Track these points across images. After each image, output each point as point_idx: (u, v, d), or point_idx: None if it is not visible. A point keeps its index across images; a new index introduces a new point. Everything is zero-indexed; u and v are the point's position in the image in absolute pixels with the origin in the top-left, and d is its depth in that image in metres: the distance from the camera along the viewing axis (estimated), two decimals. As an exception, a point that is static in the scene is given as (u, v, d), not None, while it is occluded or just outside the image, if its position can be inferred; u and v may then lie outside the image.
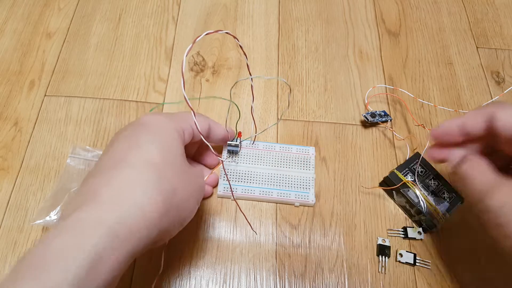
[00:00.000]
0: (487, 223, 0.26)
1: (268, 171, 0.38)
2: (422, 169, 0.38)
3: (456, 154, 0.31)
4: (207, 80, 0.45)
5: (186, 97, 0.24)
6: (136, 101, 0.43)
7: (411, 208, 0.36)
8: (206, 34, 0.26)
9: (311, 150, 0.39)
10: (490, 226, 0.26)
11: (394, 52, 0.48)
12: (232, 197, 0.37)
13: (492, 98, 0.45)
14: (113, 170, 0.23)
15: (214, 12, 0.50)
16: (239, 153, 0.38)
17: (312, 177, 0.38)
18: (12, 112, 0.42)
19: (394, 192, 0.37)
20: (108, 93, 0.43)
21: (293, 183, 0.37)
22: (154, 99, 0.43)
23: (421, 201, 0.35)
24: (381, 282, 0.34)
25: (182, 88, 0.25)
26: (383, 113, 0.43)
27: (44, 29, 0.48)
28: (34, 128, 0.41)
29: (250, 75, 0.31)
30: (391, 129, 0.42)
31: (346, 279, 0.34)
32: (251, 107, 0.36)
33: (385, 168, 0.40)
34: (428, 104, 0.44)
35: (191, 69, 0.46)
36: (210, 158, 0.37)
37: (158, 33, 0.48)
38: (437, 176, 0.38)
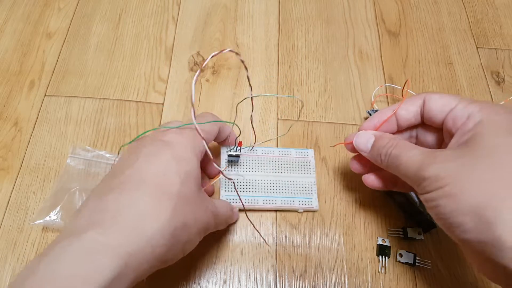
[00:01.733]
0: (430, 202, 0.25)
1: (270, 178, 0.37)
2: None
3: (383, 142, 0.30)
4: (207, 80, 0.45)
5: (197, 128, 0.24)
6: (136, 101, 0.43)
7: (411, 208, 0.36)
8: (212, 57, 0.25)
9: (310, 152, 0.39)
10: (433, 205, 0.25)
11: (394, 52, 0.48)
12: (242, 207, 0.35)
13: (492, 98, 0.45)
14: (133, 192, 0.23)
15: (214, 12, 0.50)
16: (239, 162, 0.37)
17: (314, 182, 0.37)
18: (12, 112, 0.42)
19: (394, 193, 0.37)
20: (108, 93, 0.43)
21: (296, 189, 0.37)
22: (154, 99, 0.43)
23: (421, 202, 0.35)
24: (381, 282, 0.34)
25: (192, 117, 0.24)
26: None
27: (44, 29, 0.48)
28: (34, 128, 0.41)
29: (251, 89, 0.30)
30: None
31: (346, 279, 0.34)
32: (251, 116, 0.34)
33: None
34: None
35: (191, 69, 0.46)
36: (212, 167, 0.36)
37: (158, 33, 0.48)
38: None
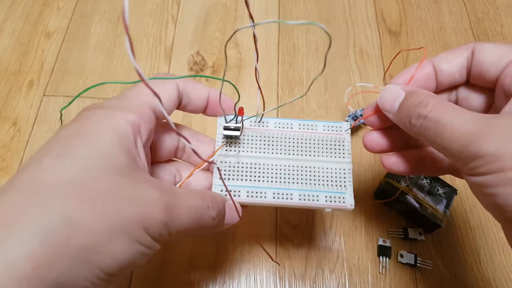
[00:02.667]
0: (484, 188, 0.19)
1: (285, 163, 0.26)
2: None
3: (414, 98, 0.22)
4: (207, 80, 0.45)
5: (137, 69, 0.13)
6: (136, 101, 0.43)
7: (412, 213, 0.36)
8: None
9: (345, 126, 0.28)
10: (488, 192, 0.18)
11: (394, 52, 0.48)
12: (242, 202, 0.25)
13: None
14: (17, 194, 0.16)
15: (214, 12, 0.50)
16: (240, 138, 0.27)
17: (349, 169, 0.26)
18: (11, 112, 0.41)
19: (393, 202, 0.37)
20: (107, 93, 0.43)
21: (322, 178, 0.26)
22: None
23: (421, 205, 0.35)
24: (382, 283, 0.34)
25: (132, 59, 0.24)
26: (362, 113, 0.41)
27: (43, 29, 0.47)
28: (33, 128, 0.41)
29: (252, 21, 0.21)
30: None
31: (347, 280, 0.34)
32: (255, 68, 0.23)
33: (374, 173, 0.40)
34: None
35: (191, 69, 0.45)
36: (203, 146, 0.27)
37: (157, 33, 0.48)
38: None
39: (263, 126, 0.27)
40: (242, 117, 0.26)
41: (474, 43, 0.23)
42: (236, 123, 0.25)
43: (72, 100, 0.25)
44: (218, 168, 0.24)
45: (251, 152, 0.26)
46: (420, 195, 0.36)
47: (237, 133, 0.25)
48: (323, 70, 0.21)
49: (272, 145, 0.27)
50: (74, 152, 0.17)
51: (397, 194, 0.35)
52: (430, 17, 0.52)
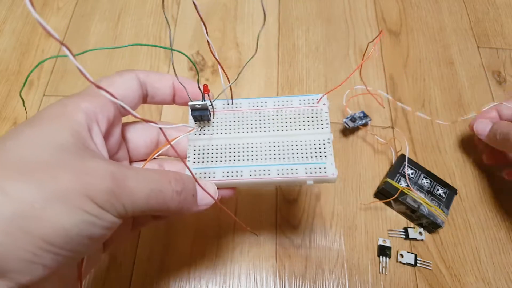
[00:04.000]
0: None
1: (260, 140, 0.25)
2: (412, 171, 0.38)
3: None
4: (207, 80, 0.45)
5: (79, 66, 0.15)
6: (136, 101, 0.43)
7: (412, 213, 0.36)
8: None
9: (324, 99, 0.27)
10: None
11: (395, 52, 0.48)
12: (221, 183, 0.24)
13: (493, 98, 0.45)
14: None
15: (214, 12, 0.50)
16: (213, 120, 0.26)
17: (328, 139, 0.25)
18: (11, 112, 0.41)
19: (392, 201, 0.37)
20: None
21: (300, 151, 0.25)
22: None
23: (421, 205, 0.35)
24: (382, 283, 0.34)
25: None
26: (362, 115, 0.41)
27: (43, 29, 0.47)
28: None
29: None
30: (372, 133, 0.42)
31: (347, 280, 0.34)
32: (207, 40, 0.22)
33: (374, 173, 0.40)
34: (404, 107, 0.44)
35: (191, 69, 0.45)
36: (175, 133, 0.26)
37: (157, 33, 0.48)
38: (427, 173, 0.38)
39: (236, 107, 0.27)
40: (208, 94, 0.24)
41: None
42: (203, 98, 0.24)
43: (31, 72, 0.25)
44: (172, 146, 0.20)
45: (225, 133, 0.26)
46: (420, 195, 0.36)
47: (205, 112, 0.25)
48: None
49: (247, 124, 0.26)
50: (17, 135, 0.18)
51: (397, 194, 0.35)
52: (430, 17, 0.52)
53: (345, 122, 0.40)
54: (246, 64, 0.26)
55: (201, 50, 0.47)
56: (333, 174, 0.24)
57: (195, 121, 0.26)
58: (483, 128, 0.37)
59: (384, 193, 0.37)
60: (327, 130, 0.26)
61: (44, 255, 0.16)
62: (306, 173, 0.24)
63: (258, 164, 0.25)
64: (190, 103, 0.24)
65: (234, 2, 0.51)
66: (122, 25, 0.48)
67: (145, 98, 0.25)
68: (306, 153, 0.25)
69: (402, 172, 0.37)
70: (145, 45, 0.47)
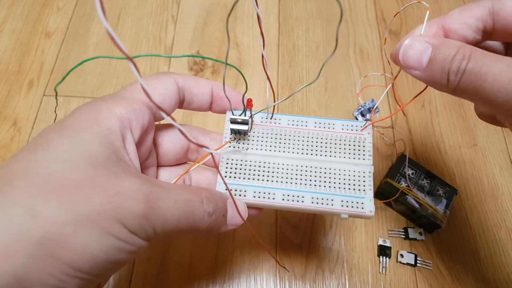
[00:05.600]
0: None
1: (297, 162, 0.24)
2: (412, 171, 0.37)
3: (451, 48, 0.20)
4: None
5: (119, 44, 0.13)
6: (136, 101, 0.43)
7: (412, 214, 0.36)
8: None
9: (368, 128, 0.25)
10: None
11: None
12: (247, 202, 0.23)
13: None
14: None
15: (214, 11, 0.50)
16: (249, 134, 0.25)
17: (370, 172, 0.24)
18: (11, 112, 0.41)
19: (392, 202, 0.37)
20: (107, 92, 0.43)
21: (338, 181, 0.24)
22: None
23: (421, 206, 0.35)
24: (382, 283, 0.34)
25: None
26: (371, 104, 0.40)
27: (43, 29, 0.47)
28: (33, 128, 0.41)
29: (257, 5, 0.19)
30: (380, 132, 0.42)
31: (347, 280, 0.34)
32: (262, 55, 0.21)
33: (375, 172, 0.40)
34: (429, 104, 0.44)
35: (191, 69, 0.45)
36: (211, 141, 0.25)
37: (157, 32, 0.48)
38: (428, 173, 0.37)
39: (275, 123, 0.25)
40: (251, 110, 0.24)
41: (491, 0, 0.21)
42: (243, 115, 0.24)
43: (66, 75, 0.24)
44: (212, 155, 0.21)
45: (261, 149, 0.24)
46: (420, 195, 0.36)
47: (245, 127, 0.23)
48: (335, 48, 0.20)
49: (284, 143, 0.25)
50: (48, 144, 0.16)
51: (397, 194, 0.35)
52: (430, 17, 0.51)
53: (355, 116, 0.40)
54: (300, 89, 0.24)
55: (201, 50, 0.47)
56: (370, 211, 0.23)
57: (231, 133, 0.25)
58: (415, 55, 0.20)
59: (384, 193, 0.37)
60: (368, 162, 0.24)
61: (69, 280, 0.15)
62: (342, 206, 0.23)
63: (293, 189, 0.23)
64: (231, 116, 0.23)
65: (234, 2, 0.51)
66: (122, 25, 0.48)
67: (181, 103, 0.23)
68: (344, 183, 0.24)
69: (403, 172, 0.37)
70: (145, 55, 0.47)
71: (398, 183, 0.36)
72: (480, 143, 0.41)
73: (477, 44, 0.22)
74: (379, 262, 0.35)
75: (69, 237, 0.15)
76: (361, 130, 0.25)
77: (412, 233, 0.36)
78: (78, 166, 0.16)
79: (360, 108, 0.40)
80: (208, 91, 0.24)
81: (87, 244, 0.15)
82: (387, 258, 0.35)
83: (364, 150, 0.25)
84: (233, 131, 0.24)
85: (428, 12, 0.22)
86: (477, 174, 0.40)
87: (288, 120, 0.25)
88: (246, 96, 0.23)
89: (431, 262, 0.35)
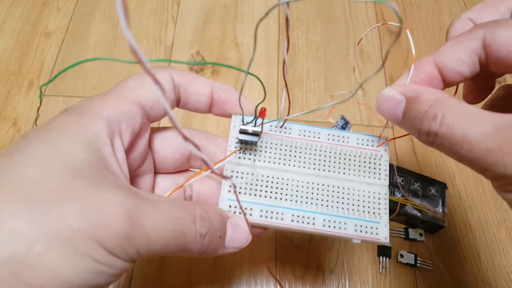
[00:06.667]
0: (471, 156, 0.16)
1: (308, 179, 0.22)
2: (401, 177, 0.37)
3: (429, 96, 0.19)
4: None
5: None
6: (136, 101, 0.43)
7: (414, 221, 0.35)
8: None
9: (385, 145, 0.23)
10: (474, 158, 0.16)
11: (395, 52, 0.48)
12: (253, 221, 0.21)
13: (493, 98, 0.45)
14: None
15: (214, 11, 0.50)
16: (258, 144, 0.23)
17: (385, 194, 0.22)
18: (11, 112, 0.41)
19: (395, 216, 0.36)
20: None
21: (351, 202, 0.22)
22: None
23: (421, 212, 0.35)
24: (382, 283, 0.34)
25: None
26: (343, 122, 0.40)
27: (43, 29, 0.47)
28: (33, 128, 0.41)
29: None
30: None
31: (347, 280, 0.34)
32: (284, 61, 0.18)
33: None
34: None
35: (191, 69, 0.45)
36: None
37: (157, 33, 0.48)
38: (415, 176, 0.37)
39: (285, 133, 0.23)
40: (262, 120, 0.21)
41: (483, 28, 0.19)
42: (255, 126, 0.21)
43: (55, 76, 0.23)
44: (213, 171, 0.16)
45: (269, 162, 0.22)
46: (417, 201, 0.35)
47: (255, 138, 0.21)
48: (382, 65, 0.19)
49: (295, 156, 0.22)
50: (26, 148, 0.15)
51: (397, 209, 0.35)
52: (430, 17, 0.52)
53: (337, 123, 0.40)
54: (352, 94, 0.21)
55: (201, 50, 0.47)
56: (385, 238, 0.21)
57: (238, 142, 0.22)
58: (389, 108, 0.20)
59: None
60: (384, 182, 0.22)
61: None
62: (355, 230, 0.21)
63: (303, 209, 0.21)
64: (242, 126, 0.21)
65: (234, 2, 0.51)
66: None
67: (177, 103, 0.21)
68: (358, 205, 0.21)
69: (394, 182, 0.36)
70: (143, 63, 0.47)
71: (393, 195, 0.35)
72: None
73: (477, 76, 0.21)
74: (379, 262, 0.35)
75: (38, 258, 0.13)
76: (377, 147, 0.23)
77: (412, 234, 0.36)
78: (55, 174, 0.14)
79: (337, 125, 0.40)
80: (207, 92, 0.21)
81: (59, 267, 0.13)
82: (387, 258, 0.35)
83: (380, 169, 0.22)
84: (241, 141, 0.21)
85: (412, 66, 0.21)
86: (477, 174, 0.40)
87: (300, 131, 0.23)
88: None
89: (431, 262, 0.35)
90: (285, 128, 0.23)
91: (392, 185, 0.36)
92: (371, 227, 0.21)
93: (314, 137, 0.23)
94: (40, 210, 0.13)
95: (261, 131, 0.21)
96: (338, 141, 0.23)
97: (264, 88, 0.22)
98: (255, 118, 0.21)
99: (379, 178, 0.22)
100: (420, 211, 0.35)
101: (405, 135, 0.22)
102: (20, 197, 0.13)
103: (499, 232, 0.37)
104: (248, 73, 0.18)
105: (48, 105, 0.42)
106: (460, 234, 0.37)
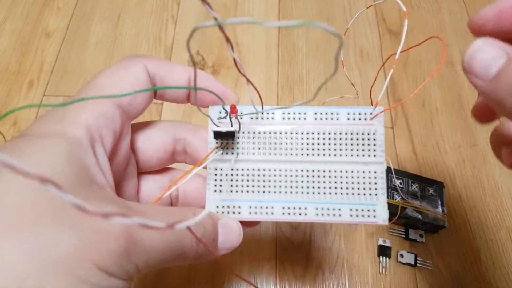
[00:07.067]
0: None
1: (296, 166, 0.21)
2: (399, 180, 0.36)
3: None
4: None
5: None
6: (136, 101, 0.43)
7: (415, 224, 0.35)
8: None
9: (380, 116, 0.21)
10: None
11: (395, 52, 0.48)
12: (244, 219, 0.21)
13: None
14: None
15: (213, 11, 0.50)
16: (237, 137, 0.21)
17: (381, 172, 0.20)
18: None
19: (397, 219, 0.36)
20: (107, 92, 0.43)
21: (345, 185, 0.20)
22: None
23: (422, 214, 0.34)
24: (382, 283, 0.34)
25: None
26: None
27: (43, 29, 0.47)
28: (9, 141, 0.41)
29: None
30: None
31: (347, 280, 0.34)
32: (234, 59, 0.17)
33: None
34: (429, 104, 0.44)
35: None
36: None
37: (157, 33, 0.48)
38: (412, 177, 0.36)
39: (267, 119, 0.21)
40: (236, 115, 0.20)
41: None
42: (231, 123, 0.20)
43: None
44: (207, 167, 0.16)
45: (253, 154, 0.21)
46: (416, 203, 0.35)
47: (231, 136, 0.20)
48: (334, 72, 0.19)
49: (280, 143, 0.21)
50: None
51: (398, 213, 0.34)
52: (431, 17, 0.52)
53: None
54: (297, 104, 0.19)
55: (201, 50, 0.47)
56: (384, 220, 0.20)
57: (215, 138, 0.20)
58: (484, 61, 0.16)
59: None
60: (380, 159, 0.20)
61: None
62: (351, 215, 0.20)
63: (293, 200, 0.20)
64: (214, 128, 0.19)
65: (234, 2, 0.51)
66: (122, 25, 0.48)
67: (154, 94, 0.20)
68: (353, 188, 0.20)
69: (393, 186, 0.36)
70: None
71: (393, 199, 0.35)
72: (480, 143, 0.41)
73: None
74: (379, 262, 0.35)
75: None
76: (371, 119, 0.21)
77: (412, 234, 0.35)
78: (41, 195, 0.13)
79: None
80: (184, 81, 0.20)
81: None
82: (387, 258, 0.35)
83: (375, 145, 0.20)
84: (217, 136, 0.20)
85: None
86: (477, 174, 0.40)
87: (283, 114, 0.21)
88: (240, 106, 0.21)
89: (431, 262, 0.35)
90: (267, 113, 0.21)
91: (391, 188, 0.36)
92: (368, 210, 0.20)
93: (299, 118, 0.21)
94: (30, 237, 0.12)
95: (239, 127, 0.20)
96: (327, 119, 0.21)
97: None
98: (227, 114, 0.20)
99: (374, 156, 0.20)
100: (420, 213, 0.34)
101: (402, 103, 0.20)
102: (6, 226, 0.12)
103: (499, 232, 0.37)
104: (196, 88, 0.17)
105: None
106: (460, 234, 0.37)
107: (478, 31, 0.18)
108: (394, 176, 0.36)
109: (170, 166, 0.23)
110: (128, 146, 0.19)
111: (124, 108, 0.18)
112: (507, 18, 0.17)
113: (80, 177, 0.14)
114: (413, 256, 0.35)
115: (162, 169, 0.22)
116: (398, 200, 0.35)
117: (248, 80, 0.18)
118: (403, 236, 0.36)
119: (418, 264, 0.34)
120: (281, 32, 0.49)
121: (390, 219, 0.35)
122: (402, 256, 0.35)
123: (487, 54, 0.16)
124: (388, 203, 0.34)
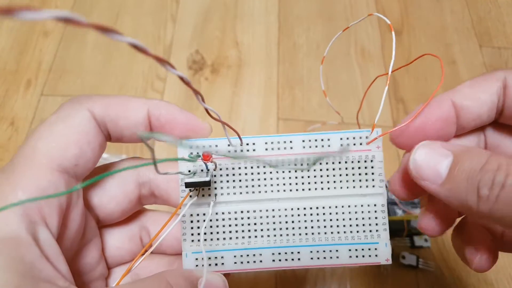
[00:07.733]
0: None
1: (285, 205, 0.18)
2: None
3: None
4: (206, 79, 0.44)
5: None
6: (134, 101, 0.42)
7: (418, 232, 0.35)
8: None
9: (377, 140, 0.18)
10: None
11: (396, 51, 0.48)
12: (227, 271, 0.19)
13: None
14: None
15: (213, 10, 0.49)
16: (213, 176, 0.18)
17: (382, 204, 0.18)
18: (8, 112, 0.41)
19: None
20: (106, 92, 0.43)
21: (342, 224, 0.18)
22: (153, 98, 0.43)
23: None
24: (383, 285, 0.34)
25: None
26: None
27: (41, 28, 0.47)
28: (30, 127, 0.40)
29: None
30: None
31: (348, 282, 0.34)
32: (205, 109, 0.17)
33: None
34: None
35: (190, 68, 0.45)
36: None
37: (156, 31, 0.47)
38: None
39: (248, 151, 0.18)
40: (208, 162, 0.17)
41: (503, 71, 0.17)
42: (207, 172, 0.17)
43: None
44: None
45: (234, 194, 0.18)
46: (417, 212, 0.34)
47: (206, 186, 0.17)
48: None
49: (264, 179, 0.18)
50: None
51: (405, 228, 0.34)
52: (432, 16, 0.51)
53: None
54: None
55: (200, 49, 0.46)
56: (387, 260, 0.18)
57: (187, 188, 0.17)
58: (431, 165, 0.16)
59: (391, 233, 0.35)
60: (380, 190, 0.18)
61: None
62: (350, 256, 0.18)
63: (283, 245, 0.18)
64: (186, 180, 0.17)
65: (234, 1, 0.50)
66: (120, 24, 0.48)
67: (108, 138, 0.17)
68: (350, 225, 0.18)
69: (391, 200, 0.35)
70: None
71: (394, 214, 0.34)
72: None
73: (490, 126, 0.19)
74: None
75: None
76: (367, 144, 0.18)
77: (418, 241, 0.35)
78: None
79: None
80: (142, 118, 0.17)
81: None
82: (389, 260, 0.34)
83: (373, 173, 0.18)
84: (189, 186, 0.17)
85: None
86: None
87: (266, 144, 0.18)
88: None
89: (433, 263, 0.35)
90: (247, 144, 0.18)
91: (390, 203, 0.35)
92: (369, 249, 0.18)
93: (285, 148, 0.18)
94: None
95: (209, 180, 0.17)
96: (317, 146, 0.18)
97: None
98: (206, 166, 0.17)
99: (373, 186, 0.18)
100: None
101: (404, 125, 0.18)
102: None
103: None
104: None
105: (46, 105, 0.42)
106: (462, 235, 0.36)
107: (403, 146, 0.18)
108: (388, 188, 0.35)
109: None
110: (82, 212, 0.16)
111: (70, 171, 0.15)
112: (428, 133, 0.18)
113: (22, 283, 0.12)
114: (415, 257, 0.34)
115: (129, 217, 0.19)
116: (401, 214, 0.34)
117: (224, 123, 0.16)
118: (409, 245, 0.35)
119: (419, 266, 0.34)
120: (281, 31, 0.49)
121: (397, 235, 0.34)
122: (403, 257, 0.34)
123: (430, 157, 0.16)
124: (392, 220, 0.33)
